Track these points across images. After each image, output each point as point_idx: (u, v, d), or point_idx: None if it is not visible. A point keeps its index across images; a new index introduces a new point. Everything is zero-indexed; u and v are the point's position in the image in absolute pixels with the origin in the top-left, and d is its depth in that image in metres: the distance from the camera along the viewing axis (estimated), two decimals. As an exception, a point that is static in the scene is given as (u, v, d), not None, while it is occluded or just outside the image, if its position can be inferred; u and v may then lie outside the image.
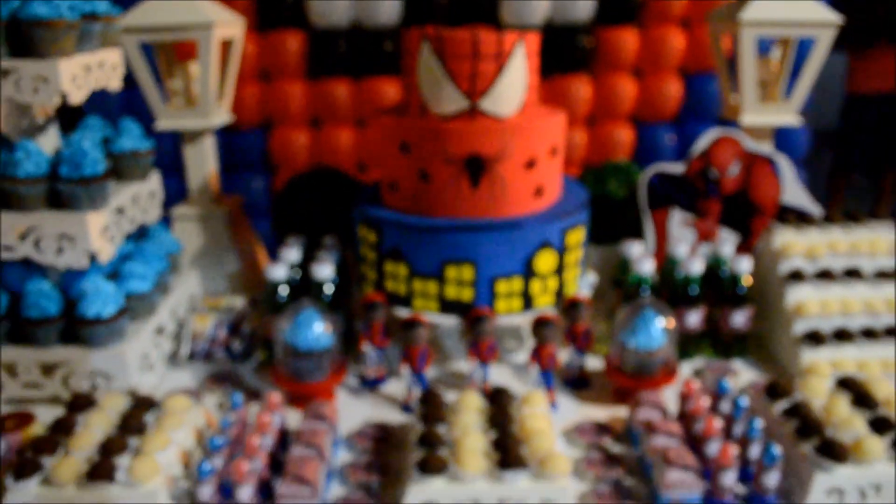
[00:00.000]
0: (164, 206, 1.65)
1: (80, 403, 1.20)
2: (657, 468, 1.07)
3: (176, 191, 1.74)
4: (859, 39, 3.69)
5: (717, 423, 1.10)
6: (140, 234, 1.54)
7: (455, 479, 1.03)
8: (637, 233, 1.61)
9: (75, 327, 1.28)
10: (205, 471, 1.03)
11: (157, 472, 1.05)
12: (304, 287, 1.42)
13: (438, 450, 1.07)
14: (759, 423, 1.09)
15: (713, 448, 1.08)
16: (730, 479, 1.04)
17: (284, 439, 1.20)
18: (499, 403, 1.17)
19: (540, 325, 1.28)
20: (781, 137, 2.67)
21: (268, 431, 1.13)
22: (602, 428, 1.24)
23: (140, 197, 1.43)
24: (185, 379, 1.43)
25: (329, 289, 1.40)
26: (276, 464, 1.13)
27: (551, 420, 1.14)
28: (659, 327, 1.27)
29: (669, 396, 1.29)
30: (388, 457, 1.18)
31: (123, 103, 2.62)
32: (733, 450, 1.03)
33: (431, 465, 1.03)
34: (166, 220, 1.68)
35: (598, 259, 1.67)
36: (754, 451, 1.09)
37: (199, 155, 1.66)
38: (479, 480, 1.03)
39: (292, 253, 1.45)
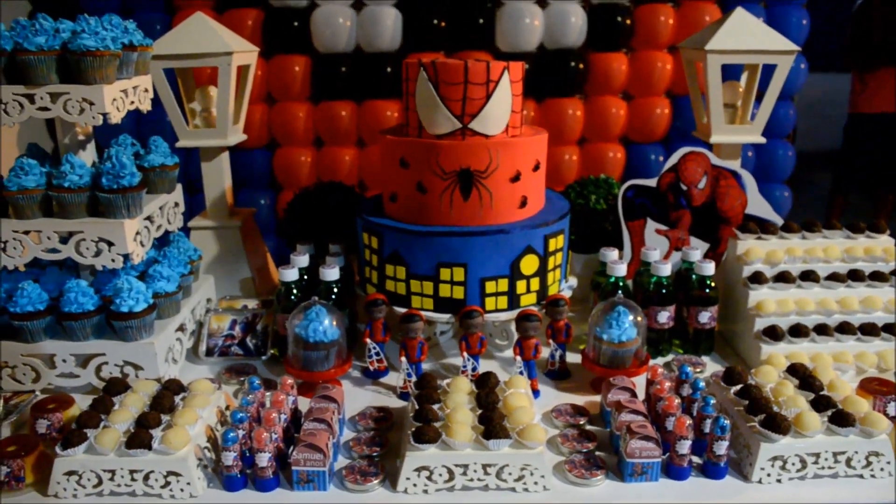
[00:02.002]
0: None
1: (116, 387, 1.40)
2: (623, 439, 1.27)
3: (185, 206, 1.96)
4: (862, 60, 3.92)
5: (677, 402, 1.30)
6: (163, 242, 1.75)
7: (446, 447, 1.23)
8: (616, 242, 1.82)
9: (110, 321, 1.49)
10: (230, 438, 1.23)
11: (188, 441, 1.25)
12: (313, 288, 1.63)
13: (432, 423, 1.27)
14: (713, 401, 1.29)
15: (672, 422, 1.28)
16: (685, 447, 1.24)
17: (296, 419, 1.40)
18: (485, 385, 1.38)
19: (523, 320, 1.49)
20: (768, 159, 2.92)
21: (282, 409, 1.33)
22: (578, 410, 1.44)
23: (166, 207, 1.64)
24: (203, 372, 1.63)
25: (335, 289, 1.61)
26: (290, 439, 1.33)
27: (532, 399, 1.35)
28: (629, 322, 1.48)
29: (640, 384, 1.50)
30: (387, 434, 1.38)
31: (133, 124, 2.86)
32: (688, 421, 1.24)
33: (426, 436, 1.23)
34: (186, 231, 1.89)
35: (580, 266, 1.88)
36: (708, 425, 1.29)
37: (216, 171, 1.88)
38: (466, 448, 1.23)
39: (303, 258, 1.67)
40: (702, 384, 1.35)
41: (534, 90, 2.74)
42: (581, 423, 1.41)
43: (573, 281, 1.72)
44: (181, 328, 1.65)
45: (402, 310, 1.56)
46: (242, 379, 1.59)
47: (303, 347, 1.48)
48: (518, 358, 1.50)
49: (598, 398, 1.50)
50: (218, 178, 1.89)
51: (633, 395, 1.39)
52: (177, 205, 1.70)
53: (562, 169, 2.87)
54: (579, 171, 2.92)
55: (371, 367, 1.59)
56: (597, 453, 1.32)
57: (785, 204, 2.99)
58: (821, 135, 5.04)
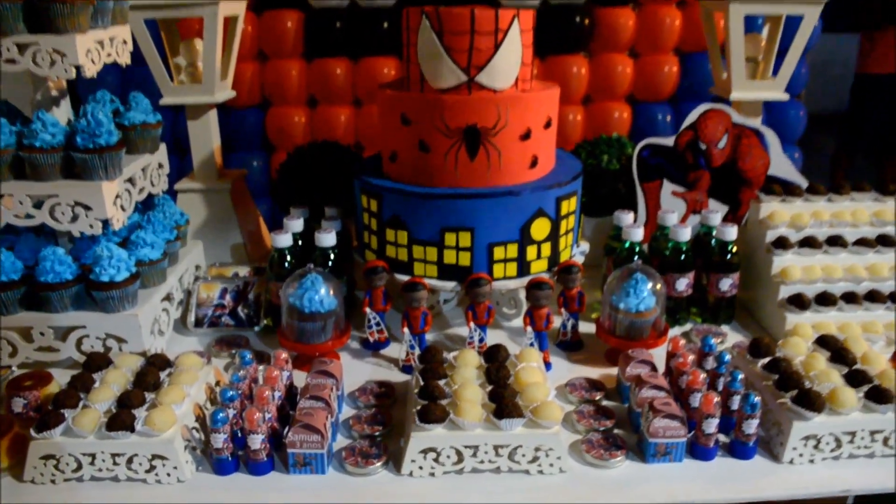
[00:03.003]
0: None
1: (97, 363, 1.29)
2: (645, 417, 1.17)
3: (173, 168, 1.83)
4: (870, 20, 3.77)
5: (702, 376, 1.20)
6: (147, 206, 1.63)
7: (454, 427, 1.13)
8: (630, 204, 1.71)
9: (90, 292, 1.38)
10: (219, 419, 1.13)
11: (173, 422, 1.15)
12: (308, 255, 1.51)
13: (438, 401, 1.17)
14: (741, 376, 1.19)
15: (697, 399, 1.18)
16: (712, 426, 1.14)
17: (292, 396, 1.30)
18: (495, 358, 1.27)
19: (534, 288, 1.38)
20: (778, 119, 2.79)
21: (276, 385, 1.23)
22: (593, 384, 1.34)
23: (149, 168, 1.52)
24: (192, 344, 1.52)
25: (332, 256, 1.49)
26: (284, 417, 1.23)
27: (545, 374, 1.24)
28: (648, 290, 1.37)
29: (659, 356, 1.40)
30: (390, 410, 1.28)
31: (119, 82, 2.72)
32: (715, 398, 1.13)
33: (432, 415, 1.12)
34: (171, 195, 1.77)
35: (592, 230, 1.77)
36: (736, 401, 1.19)
37: (203, 130, 1.75)
38: (477, 428, 1.13)
39: (297, 222, 1.55)
40: (727, 357, 1.25)
41: (537, 47, 2.59)
42: (597, 398, 1.30)
43: (585, 246, 1.60)
44: (168, 298, 1.53)
45: (404, 277, 1.45)
46: (234, 351, 1.48)
47: (298, 318, 1.37)
48: (529, 328, 1.39)
49: (613, 371, 1.39)
50: (205, 137, 1.76)
51: (654, 368, 1.29)
52: (161, 166, 1.58)
53: (566, 129, 2.74)
54: (584, 131, 2.79)
55: (371, 339, 1.48)
56: (615, 431, 1.23)
57: (795, 166, 2.87)
58: (828, 96, 4.90)
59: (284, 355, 1.29)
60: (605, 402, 1.30)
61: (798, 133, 2.88)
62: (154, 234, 1.52)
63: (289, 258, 1.49)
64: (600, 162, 1.75)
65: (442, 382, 1.22)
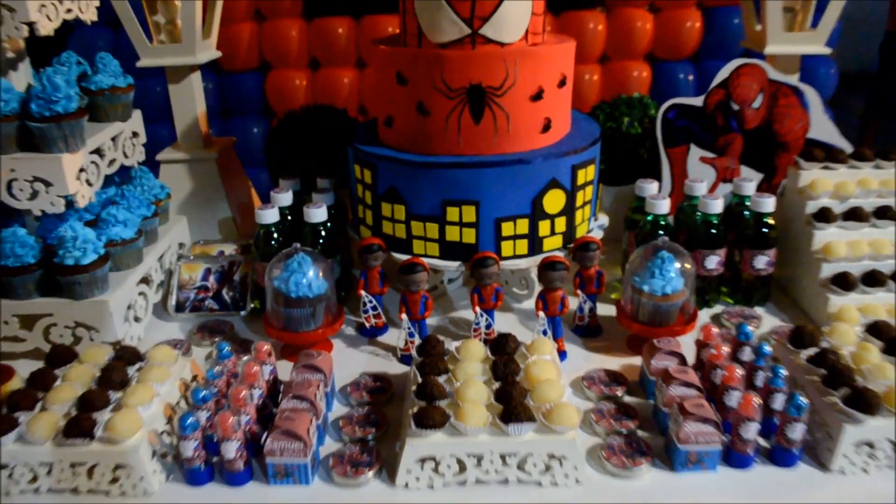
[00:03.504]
0: (152, 152, 1.59)
1: (60, 356, 1.14)
2: (673, 420, 1.01)
3: (171, 137, 1.67)
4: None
5: (738, 372, 1.03)
6: (124, 179, 1.47)
7: (456, 433, 0.97)
8: (652, 172, 1.52)
9: (54, 277, 1.22)
10: (188, 425, 0.98)
11: (139, 427, 1.00)
12: (298, 231, 1.35)
13: (437, 401, 1.01)
14: (784, 372, 1.02)
15: (734, 398, 1.01)
16: (752, 431, 0.98)
17: (276, 392, 1.15)
18: (503, 351, 1.11)
19: (548, 269, 1.21)
20: (807, 77, 2.57)
21: (256, 383, 1.07)
22: (614, 377, 1.18)
23: (121, 138, 1.35)
24: (173, 330, 1.37)
25: (323, 233, 1.33)
26: (267, 418, 1.07)
27: (559, 368, 1.08)
28: (675, 270, 1.20)
29: (687, 344, 1.23)
30: (384, 409, 1.12)
31: (109, 43, 2.55)
32: (756, 400, 0.97)
33: (430, 418, 0.97)
34: (156, 167, 1.61)
35: (611, 200, 1.59)
36: (778, 401, 1.02)
37: (185, 94, 1.58)
38: (481, 434, 0.97)
39: (285, 195, 1.38)
40: (767, 349, 1.08)
41: (550, 2, 2.39)
42: (618, 394, 1.14)
43: (604, 219, 1.43)
44: (145, 280, 1.38)
45: (402, 257, 1.29)
46: (217, 339, 1.33)
47: (283, 304, 1.21)
48: (541, 314, 1.23)
49: (635, 360, 1.23)
50: (188, 102, 1.59)
51: (683, 360, 1.12)
52: (136, 135, 1.41)
53: (581, 91, 2.55)
54: (601, 92, 2.60)
55: (367, 324, 1.32)
56: (639, 433, 1.06)
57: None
58: (856, 54, 4.62)
59: (267, 347, 1.13)
60: (627, 398, 1.14)
61: (829, 92, 2.66)
62: (128, 210, 1.36)
63: (276, 236, 1.33)
64: (620, 125, 1.56)
65: (442, 379, 1.06)
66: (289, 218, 1.40)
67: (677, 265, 1.20)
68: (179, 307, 1.40)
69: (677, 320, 1.22)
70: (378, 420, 1.09)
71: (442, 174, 1.22)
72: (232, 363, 1.13)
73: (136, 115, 1.41)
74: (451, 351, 1.13)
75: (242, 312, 1.39)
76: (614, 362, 1.24)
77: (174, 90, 1.57)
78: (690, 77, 2.62)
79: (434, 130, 1.24)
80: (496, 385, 1.04)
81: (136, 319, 1.33)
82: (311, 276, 1.20)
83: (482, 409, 0.98)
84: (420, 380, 1.05)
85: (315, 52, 2.59)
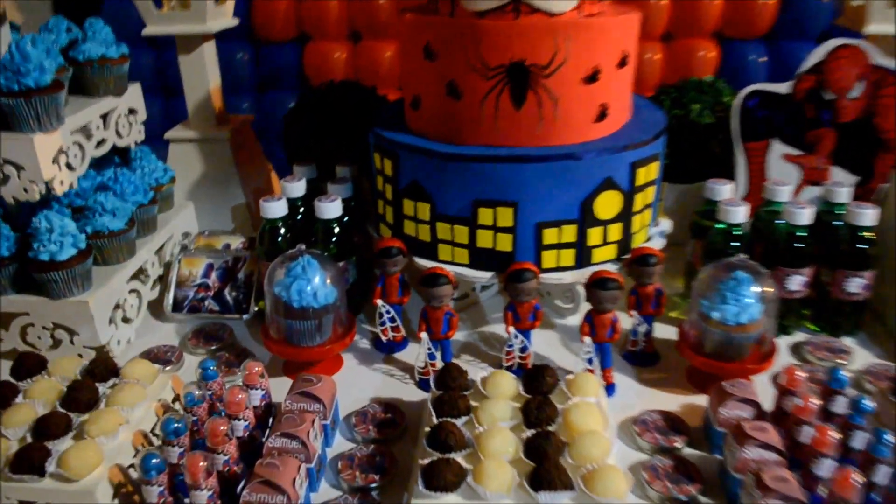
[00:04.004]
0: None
1: (28, 366, 0.98)
2: (747, 492, 0.79)
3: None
4: None
5: (833, 435, 0.80)
6: (121, 162, 1.30)
7: (473, 496, 0.77)
8: (725, 170, 1.29)
9: (29, 273, 1.06)
10: (151, 467, 0.80)
11: (97, 463, 0.83)
12: (310, 227, 1.16)
13: (454, 452, 0.81)
14: (892, 439, 0.79)
15: (825, 468, 0.79)
16: (850, 513, 0.76)
17: (269, 419, 0.96)
18: (538, 388, 0.90)
19: (597, 287, 0.99)
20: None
21: (242, 414, 0.89)
22: (672, 423, 0.96)
23: (113, 115, 1.17)
24: (168, 334, 1.20)
25: (337, 230, 1.13)
26: (253, 453, 0.89)
27: (606, 416, 0.87)
28: (753, 296, 0.97)
29: (761, 381, 1.01)
30: (394, 448, 0.93)
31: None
32: (856, 477, 0.75)
33: (441, 478, 0.77)
34: (165, 147, 1.44)
35: (674, 202, 1.35)
36: (881, 474, 0.79)
37: (197, 66, 1.39)
38: (504, 500, 0.77)
39: (296, 185, 1.19)
40: (868, 404, 0.85)
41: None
42: (677, 445, 0.92)
43: (666, 224, 1.20)
44: (140, 275, 1.21)
45: (426, 263, 1.09)
46: (214, 346, 1.15)
47: (284, 314, 1.02)
48: (587, 339, 1.01)
49: (698, 400, 1.01)
50: (200, 75, 1.40)
51: (759, 410, 0.90)
52: (133, 112, 1.23)
53: (640, 71, 2.29)
54: (662, 74, 2.34)
55: (383, 338, 1.13)
56: (701, 499, 0.85)
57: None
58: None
59: (258, 368, 0.94)
60: (687, 450, 0.93)
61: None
62: (121, 197, 1.19)
63: (283, 232, 1.14)
64: (689, 112, 1.32)
65: (462, 421, 0.86)
66: (300, 211, 1.21)
67: (756, 289, 0.97)
68: (176, 306, 1.22)
69: (751, 354, 0.99)
70: (385, 463, 0.90)
71: (474, 168, 1.01)
72: (218, 385, 0.95)
73: (134, 90, 1.23)
74: (477, 383, 0.93)
75: (245, 316, 1.21)
76: (672, 400, 1.02)
77: (184, 61, 1.39)
78: (763, 59, 2.33)
79: (467, 116, 1.02)
80: (527, 433, 0.84)
81: (126, 320, 1.16)
82: (316, 284, 1.01)
83: (507, 470, 0.78)
84: (435, 421, 0.86)
85: (356, 23, 2.38)
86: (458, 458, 0.81)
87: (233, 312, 1.21)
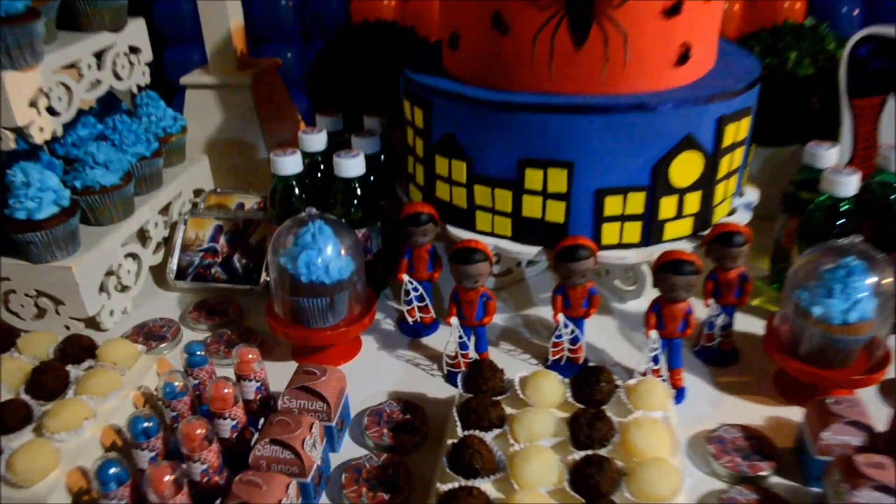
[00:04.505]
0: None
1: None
2: (863, 550, 0.60)
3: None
4: None
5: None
6: (124, 109, 1.14)
7: (502, 537, 0.60)
8: (825, 132, 1.06)
9: (6, 233, 0.91)
10: (110, 478, 0.64)
11: (53, 466, 0.68)
12: (331, 188, 0.98)
13: (480, 475, 0.64)
14: None
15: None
16: None
17: (265, 412, 0.80)
18: (590, 396, 0.72)
19: (669, 270, 0.79)
20: None
21: (228, 412, 0.73)
22: (755, 442, 0.76)
23: (110, 53, 1.01)
24: (169, 306, 1.05)
25: (359, 192, 0.95)
26: (242, 459, 0.73)
27: (676, 437, 0.68)
28: (867, 288, 0.76)
29: (868, 395, 0.80)
30: (411, 460, 0.76)
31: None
32: None
33: (461, 514, 0.60)
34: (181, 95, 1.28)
35: (760, 167, 1.13)
36: None
37: (214, 4, 1.22)
38: (542, 545, 0.59)
39: (315, 137, 1.01)
40: None
41: None
42: (763, 473, 0.73)
43: (752, 195, 0.99)
44: (141, 237, 1.06)
45: (461, 233, 0.90)
46: (217, 322, 0.99)
47: (291, 290, 0.85)
48: (653, 334, 0.82)
49: (788, 413, 0.81)
50: (219, 11, 1.22)
51: (873, 438, 0.69)
52: (134, 51, 1.07)
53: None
54: (741, 23, 2.07)
55: (410, 319, 0.95)
56: (796, 549, 0.66)
57: None
58: None
59: (252, 355, 0.78)
60: (775, 480, 0.73)
61: None
62: (119, 148, 1.03)
63: (298, 192, 0.97)
64: (785, 61, 1.09)
65: (493, 435, 0.68)
66: (321, 168, 1.03)
67: (870, 281, 0.76)
68: (180, 274, 1.07)
69: (859, 360, 0.78)
70: (398, 479, 0.72)
71: (521, 120, 0.81)
72: (207, 373, 0.79)
73: (136, 26, 1.06)
74: (514, 385, 0.75)
75: (255, 287, 1.04)
76: (755, 412, 0.82)
77: (202, -3, 1.22)
78: (855, 12, 2.05)
79: (515, 55, 0.82)
80: (574, 456, 0.65)
81: (121, 288, 1.01)
82: (329, 255, 0.84)
83: (547, 501, 0.60)
84: (459, 434, 0.68)
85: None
86: (486, 485, 0.63)
87: (242, 282, 1.05)
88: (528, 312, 1.01)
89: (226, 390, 0.72)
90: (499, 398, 0.73)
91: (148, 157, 1.06)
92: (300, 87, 1.53)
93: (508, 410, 0.72)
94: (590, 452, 0.65)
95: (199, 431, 0.68)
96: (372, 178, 0.98)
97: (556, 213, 0.84)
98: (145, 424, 0.69)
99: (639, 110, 0.79)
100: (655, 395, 0.71)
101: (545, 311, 1.00)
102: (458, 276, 0.82)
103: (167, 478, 0.63)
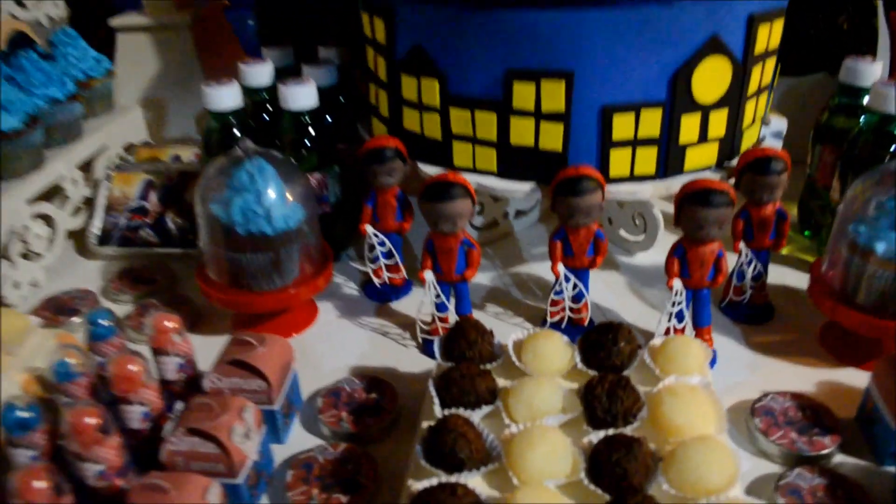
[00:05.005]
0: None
1: None
2: None
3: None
4: None
5: None
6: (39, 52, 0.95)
7: (498, 550, 0.43)
8: (866, 44, 0.90)
9: None
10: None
11: None
12: (276, 127, 0.81)
13: (466, 468, 0.47)
14: None
15: None
16: None
17: (193, 388, 0.62)
18: (606, 360, 0.55)
19: (697, 202, 0.62)
20: None
21: (135, 394, 0.55)
22: (811, 410, 0.60)
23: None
24: (91, 277, 0.86)
25: (312, 130, 0.78)
26: (151, 458, 0.55)
27: (720, 407, 0.51)
28: (945, 216, 0.60)
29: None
30: (377, 450, 0.58)
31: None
32: None
33: (442, 521, 0.43)
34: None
35: (780, 97, 0.97)
36: None
37: (144, -74, 1.04)
38: (553, 561, 0.42)
39: (258, 70, 0.84)
40: None
41: None
42: (826, 451, 0.56)
43: (780, 123, 0.82)
44: (58, 195, 0.88)
45: (434, 171, 0.73)
46: (143, 292, 0.81)
47: (225, 245, 0.68)
48: (676, 283, 0.65)
49: (842, 375, 0.65)
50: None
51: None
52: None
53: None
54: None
55: (376, 280, 0.78)
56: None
57: None
58: None
59: (172, 324, 0.60)
60: (839, 458, 0.57)
61: None
62: (24, 89, 0.84)
63: (237, 133, 0.79)
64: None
65: (482, 415, 0.51)
66: (268, 108, 0.85)
67: (948, 206, 0.60)
68: (105, 238, 0.88)
69: (936, 309, 0.62)
70: (359, 476, 0.55)
71: (507, 19, 0.64)
72: (116, 348, 0.61)
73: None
74: (507, 350, 0.58)
75: (191, 250, 0.86)
76: (802, 376, 0.65)
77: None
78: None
79: (496, -61, 0.65)
80: (591, 438, 0.49)
81: (30, 256, 0.83)
82: (271, 199, 0.66)
83: (558, 499, 0.43)
84: (438, 414, 0.51)
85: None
86: (474, 480, 0.47)
87: (176, 245, 0.87)
88: (519, 269, 0.84)
89: (132, 367, 0.55)
90: (488, 366, 0.56)
91: (62, 101, 0.88)
92: (248, 27, 1.34)
93: (501, 382, 0.55)
94: (611, 432, 0.48)
95: (89, 421, 0.50)
96: (328, 116, 0.80)
97: (552, 138, 0.67)
98: (22, 414, 0.52)
99: (654, 3, 0.62)
100: (690, 356, 0.55)
101: (539, 268, 0.83)
102: (432, 219, 0.65)
103: (39, 484, 0.46)
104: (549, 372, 0.55)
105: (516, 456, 0.46)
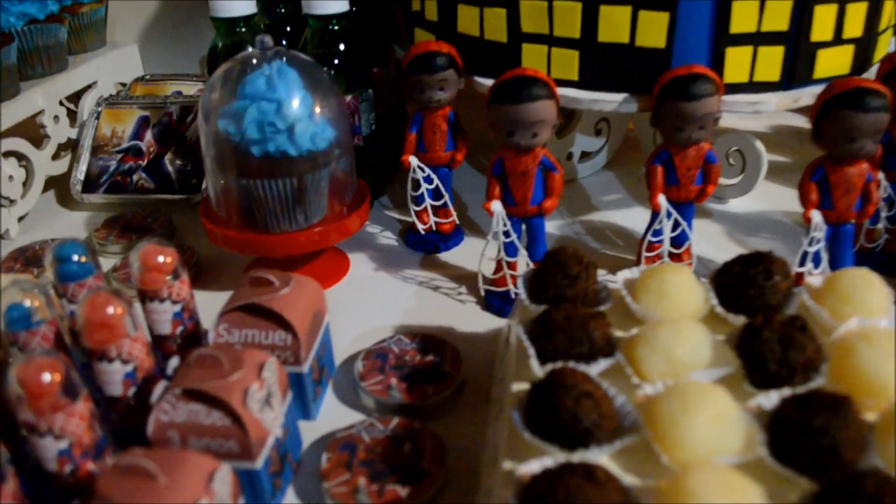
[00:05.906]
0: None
1: None
2: None
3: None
4: None
5: None
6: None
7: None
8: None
9: None
10: None
11: None
12: (299, 38, 0.66)
13: (593, 442, 0.32)
14: None
15: None
16: None
17: (193, 342, 0.47)
18: (756, 296, 0.39)
19: (846, 103, 0.47)
20: None
21: (113, 348, 0.40)
22: None
23: None
24: (74, 228, 0.71)
25: (342, 46, 0.63)
26: (138, 430, 0.40)
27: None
28: None
29: None
30: (441, 428, 0.43)
31: None
32: None
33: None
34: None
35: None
36: None
37: None
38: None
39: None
40: None
41: None
42: None
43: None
44: (34, 135, 0.73)
45: (489, 82, 0.58)
46: (134, 241, 0.66)
47: (237, 171, 0.53)
48: (815, 215, 0.50)
49: None
50: None
51: None
52: None
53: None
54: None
55: (421, 226, 0.63)
56: None
57: None
58: None
59: (164, 258, 0.45)
60: None
61: None
62: (-7, 0, 0.70)
63: (251, 48, 0.64)
64: None
65: (598, 370, 0.36)
66: (283, 15, 0.70)
67: None
68: (90, 184, 0.73)
69: None
70: (420, 461, 0.40)
71: None
72: (91, 287, 0.46)
73: None
74: (618, 288, 0.43)
75: (193, 196, 0.71)
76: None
77: None
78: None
79: None
80: (761, 400, 0.33)
81: (6, 202, 0.68)
82: (295, 111, 0.51)
83: (744, 492, 0.28)
84: (538, 373, 0.36)
85: None
86: (601, 458, 0.31)
87: (175, 191, 0.72)
88: (591, 217, 0.68)
89: (110, 309, 0.39)
90: (601, 309, 0.40)
91: (41, 20, 0.73)
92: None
93: (618, 332, 0.40)
94: (797, 393, 0.33)
95: (46, 378, 0.35)
96: (355, 26, 0.65)
97: (653, 32, 0.52)
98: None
99: None
100: (870, 292, 0.39)
101: (615, 215, 0.68)
102: (506, 128, 0.49)
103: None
104: (679, 316, 0.40)
105: (668, 424, 0.31)
